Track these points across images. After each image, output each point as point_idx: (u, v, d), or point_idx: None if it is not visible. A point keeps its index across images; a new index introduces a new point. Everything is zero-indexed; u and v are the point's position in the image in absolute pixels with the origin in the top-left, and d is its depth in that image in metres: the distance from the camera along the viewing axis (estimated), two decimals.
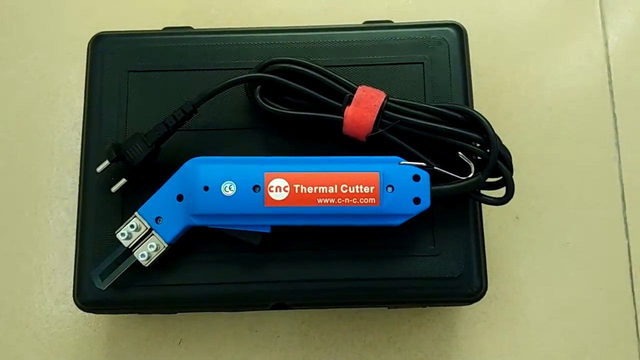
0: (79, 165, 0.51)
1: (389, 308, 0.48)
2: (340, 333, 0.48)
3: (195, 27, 0.48)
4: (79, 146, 0.52)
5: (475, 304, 0.47)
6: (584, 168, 0.52)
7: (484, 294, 0.42)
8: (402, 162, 0.40)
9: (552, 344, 0.48)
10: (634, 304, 0.49)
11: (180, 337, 0.48)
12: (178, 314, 0.48)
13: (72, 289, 0.49)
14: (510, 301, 0.49)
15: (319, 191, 0.38)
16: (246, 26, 0.48)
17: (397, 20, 0.48)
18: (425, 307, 0.47)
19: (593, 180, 0.52)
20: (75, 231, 0.49)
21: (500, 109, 0.53)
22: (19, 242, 0.50)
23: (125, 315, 0.48)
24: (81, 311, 0.49)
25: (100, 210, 0.42)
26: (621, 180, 0.51)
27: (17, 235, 0.51)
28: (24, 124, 0.53)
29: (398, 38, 0.45)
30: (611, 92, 0.53)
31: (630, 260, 0.50)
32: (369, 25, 0.47)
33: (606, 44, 0.54)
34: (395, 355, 0.48)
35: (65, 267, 0.50)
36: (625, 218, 0.51)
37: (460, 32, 0.46)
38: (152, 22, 0.52)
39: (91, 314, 0.49)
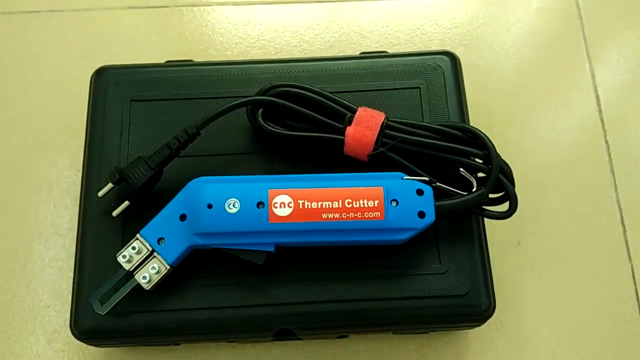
0: (75, 202, 0.51)
1: (394, 333, 0.46)
2: None
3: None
4: (77, 183, 0.52)
5: (482, 331, 0.46)
6: (581, 194, 0.52)
7: (492, 312, 0.41)
8: (405, 177, 0.40)
9: None
10: None
11: None
12: (176, 347, 0.46)
13: (65, 327, 0.48)
14: (517, 328, 0.48)
15: (324, 206, 0.38)
16: None
17: None
18: (435, 330, 0.46)
19: (591, 205, 0.52)
20: (70, 267, 0.49)
21: (495, 138, 0.53)
22: (12, 279, 0.49)
23: (121, 350, 0.46)
24: (74, 351, 0.47)
25: (100, 236, 0.41)
26: (619, 205, 0.52)
27: (11, 272, 0.49)
28: (22, 162, 0.53)
29: (394, 65, 0.47)
30: (602, 120, 0.55)
31: (635, 283, 0.49)
32: (366, 55, 0.48)
33: (593, 76, 0.56)
34: None
35: (59, 305, 0.48)
36: (626, 241, 0.51)
37: (453, 59, 0.47)
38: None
39: (85, 353, 0.47)
